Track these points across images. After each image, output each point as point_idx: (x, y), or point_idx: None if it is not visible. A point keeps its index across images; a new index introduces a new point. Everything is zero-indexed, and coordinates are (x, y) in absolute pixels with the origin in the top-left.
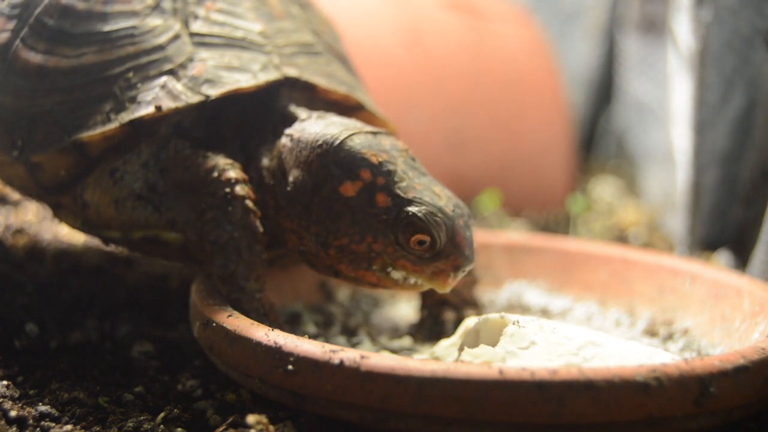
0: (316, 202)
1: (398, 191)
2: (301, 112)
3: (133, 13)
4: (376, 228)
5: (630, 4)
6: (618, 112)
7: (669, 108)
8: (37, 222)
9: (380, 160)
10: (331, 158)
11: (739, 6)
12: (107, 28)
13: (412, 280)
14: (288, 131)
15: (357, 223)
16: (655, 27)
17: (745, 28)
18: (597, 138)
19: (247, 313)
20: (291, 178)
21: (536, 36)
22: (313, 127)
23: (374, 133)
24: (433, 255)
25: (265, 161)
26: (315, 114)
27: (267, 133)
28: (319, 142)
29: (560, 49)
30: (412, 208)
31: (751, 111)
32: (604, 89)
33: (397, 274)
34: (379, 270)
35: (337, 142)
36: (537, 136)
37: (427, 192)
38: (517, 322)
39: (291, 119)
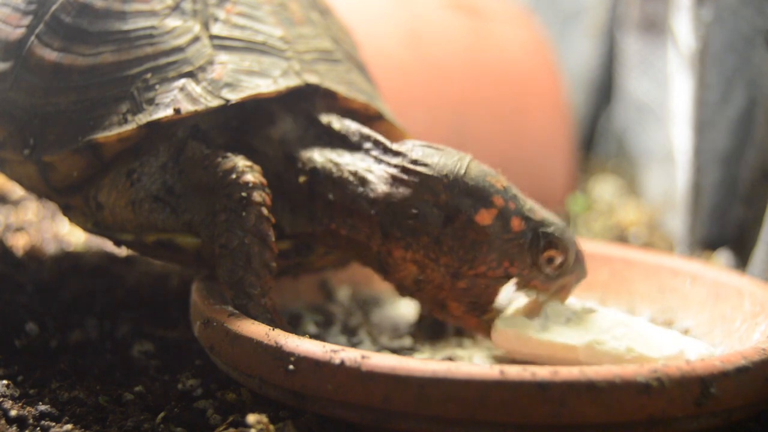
0: (449, 233)
1: (528, 214)
2: (350, 126)
3: (153, 13)
4: (512, 253)
5: (630, 4)
6: (618, 112)
7: (669, 108)
8: (37, 222)
9: (504, 185)
10: (461, 189)
11: (740, 5)
12: (126, 27)
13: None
14: (390, 160)
15: (494, 250)
16: (655, 27)
17: (745, 27)
18: (597, 138)
19: (254, 320)
20: (414, 211)
21: (536, 36)
22: (427, 157)
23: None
24: (560, 273)
25: (349, 175)
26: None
27: (307, 140)
28: (444, 173)
29: (560, 49)
30: (548, 229)
31: (751, 111)
32: (604, 89)
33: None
34: (486, 322)
35: (463, 170)
36: (537, 135)
37: (543, 212)
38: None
39: (337, 137)
